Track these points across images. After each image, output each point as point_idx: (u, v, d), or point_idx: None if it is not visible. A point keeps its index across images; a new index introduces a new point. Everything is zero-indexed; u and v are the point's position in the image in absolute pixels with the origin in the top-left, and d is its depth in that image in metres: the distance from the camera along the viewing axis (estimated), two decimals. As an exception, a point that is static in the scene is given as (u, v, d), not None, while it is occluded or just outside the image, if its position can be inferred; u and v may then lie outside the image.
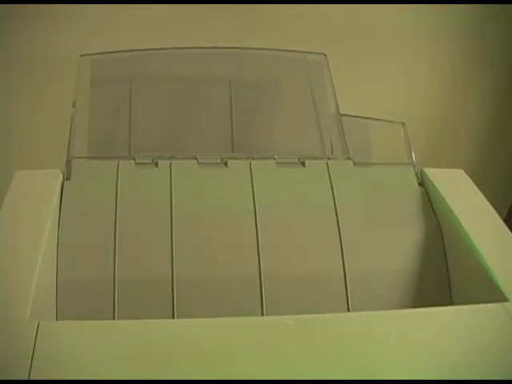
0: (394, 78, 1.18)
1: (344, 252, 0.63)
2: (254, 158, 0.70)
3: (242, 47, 0.81)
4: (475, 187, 0.70)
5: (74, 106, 0.72)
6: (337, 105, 0.78)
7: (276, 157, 0.70)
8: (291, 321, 0.52)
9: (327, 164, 0.70)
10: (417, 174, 0.72)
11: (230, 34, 1.04)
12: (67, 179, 0.66)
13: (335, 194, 0.67)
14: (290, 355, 0.49)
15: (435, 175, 0.71)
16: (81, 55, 0.76)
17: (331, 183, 0.68)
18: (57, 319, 0.57)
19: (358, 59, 1.14)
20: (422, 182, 0.71)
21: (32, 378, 0.45)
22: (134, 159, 0.68)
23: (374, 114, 0.79)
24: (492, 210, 0.67)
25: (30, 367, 0.46)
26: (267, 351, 0.49)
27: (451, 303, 0.63)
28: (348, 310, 0.61)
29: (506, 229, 0.64)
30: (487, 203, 0.67)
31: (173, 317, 0.58)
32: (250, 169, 0.68)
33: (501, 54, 1.22)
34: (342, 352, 0.50)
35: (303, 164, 0.70)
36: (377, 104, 1.05)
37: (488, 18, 1.18)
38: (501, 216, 0.66)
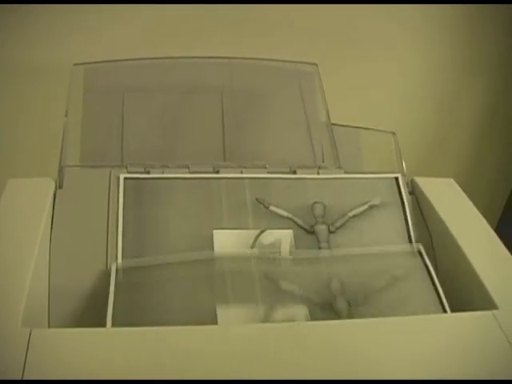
0: (385, 87, 1.19)
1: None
2: (245, 167, 0.70)
3: (233, 57, 0.81)
4: (465, 196, 0.70)
5: (66, 114, 0.72)
6: (328, 114, 0.79)
7: (267, 166, 0.71)
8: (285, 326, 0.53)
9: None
10: (407, 183, 0.72)
11: (222, 42, 1.05)
12: (59, 187, 0.66)
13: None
14: (282, 363, 0.50)
15: (425, 184, 0.71)
16: (74, 64, 0.76)
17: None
18: (49, 327, 0.57)
19: (348, 68, 1.15)
20: (413, 190, 0.72)
21: (24, 386, 0.45)
22: (126, 168, 0.68)
23: (364, 123, 0.79)
24: (481, 218, 0.67)
25: (22, 375, 0.46)
26: (261, 359, 0.50)
27: (441, 311, 0.63)
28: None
29: (496, 237, 0.65)
30: (477, 212, 0.68)
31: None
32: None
33: (492, 64, 1.23)
34: (333, 358, 0.50)
35: (294, 172, 0.71)
36: (368, 113, 1.06)
37: (479, 28, 1.19)
38: (490, 224, 0.67)
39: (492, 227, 0.66)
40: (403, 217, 0.69)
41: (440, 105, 1.26)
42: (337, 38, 1.13)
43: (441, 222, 0.66)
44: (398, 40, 1.17)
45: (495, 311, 0.55)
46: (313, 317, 0.58)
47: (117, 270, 0.59)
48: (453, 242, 0.63)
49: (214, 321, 0.57)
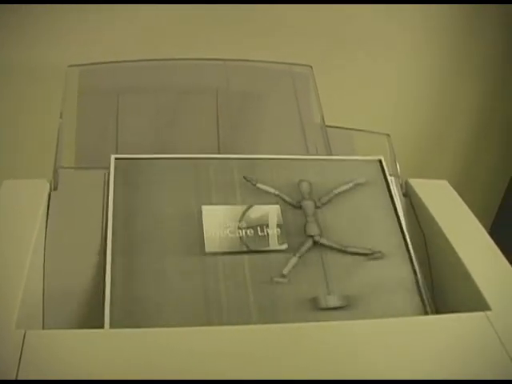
0: (379, 89, 1.19)
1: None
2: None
3: (228, 59, 0.81)
4: (459, 198, 0.71)
5: (61, 116, 0.72)
6: (322, 116, 0.79)
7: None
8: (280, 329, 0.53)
9: None
10: (401, 185, 0.72)
11: (221, 42, 1.05)
12: (54, 189, 0.66)
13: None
14: (278, 363, 0.50)
15: (419, 186, 0.72)
16: (69, 66, 0.76)
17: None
18: (43, 329, 0.57)
19: (343, 70, 1.15)
20: (407, 192, 0.72)
21: (18, 387, 0.45)
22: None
23: (359, 125, 0.80)
24: (475, 220, 0.67)
25: (16, 377, 0.46)
26: (258, 359, 0.50)
27: (434, 312, 0.63)
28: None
29: (489, 239, 0.65)
30: (471, 213, 0.68)
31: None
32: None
33: (488, 65, 1.23)
34: (327, 360, 0.50)
35: None
36: (362, 115, 1.07)
37: (475, 29, 1.20)
38: (484, 226, 0.67)
39: (486, 229, 0.66)
40: (388, 195, 0.69)
41: (435, 106, 1.26)
42: (332, 38, 1.13)
43: (434, 223, 0.66)
44: (393, 41, 1.17)
45: (488, 312, 0.55)
46: (283, 214, 0.65)
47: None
48: (446, 244, 0.63)
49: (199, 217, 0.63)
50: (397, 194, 0.70)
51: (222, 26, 1.08)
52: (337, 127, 0.79)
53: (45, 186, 0.65)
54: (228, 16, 1.07)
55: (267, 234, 0.64)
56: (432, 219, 0.67)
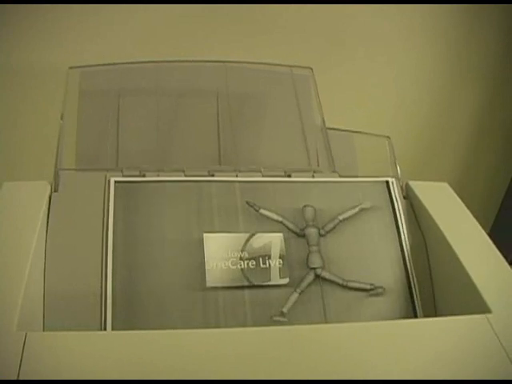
0: (379, 90, 1.20)
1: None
2: (240, 171, 0.70)
3: (228, 61, 0.81)
4: (459, 200, 0.71)
5: (62, 118, 0.72)
6: (323, 118, 0.79)
7: (262, 169, 0.71)
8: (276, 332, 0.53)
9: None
10: (402, 187, 0.72)
11: (219, 42, 1.05)
12: (55, 191, 0.66)
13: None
14: (272, 364, 0.50)
15: (420, 188, 0.72)
16: (70, 67, 0.76)
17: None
18: (44, 330, 0.57)
19: (343, 72, 1.15)
20: (407, 194, 0.72)
21: (19, 389, 0.45)
22: (122, 171, 0.68)
23: (358, 125, 0.80)
24: (475, 222, 0.67)
25: (17, 378, 0.46)
26: (256, 362, 0.50)
27: (435, 315, 0.63)
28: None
29: (489, 241, 0.65)
30: (471, 216, 0.68)
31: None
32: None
33: (488, 67, 1.23)
34: (326, 362, 0.50)
35: (289, 176, 0.71)
36: (361, 116, 1.07)
37: (475, 31, 1.20)
38: (484, 228, 0.67)
39: (486, 231, 0.66)
40: (394, 220, 0.69)
41: (435, 108, 1.26)
42: (332, 40, 1.14)
43: (435, 226, 0.66)
44: (393, 41, 1.17)
45: (489, 315, 0.56)
46: (286, 242, 0.64)
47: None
48: (447, 246, 0.63)
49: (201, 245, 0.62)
50: (402, 219, 0.69)
51: (221, 26, 1.08)
52: (337, 129, 0.79)
53: (45, 188, 0.65)
54: (227, 16, 1.07)
55: (269, 265, 0.63)
56: (432, 222, 0.67)
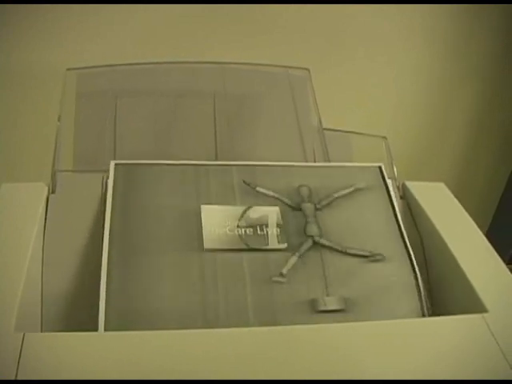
0: (377, 90, 1.20)
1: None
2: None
3: (225, 62, 0.82)
4: (456, 200, 0.71)
5: (59, 119, 0.72)
6: (319, 119, 0.79)
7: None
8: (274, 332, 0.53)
9: None
10: (398, 188, 0.73)
11: (219, 42, 1.06)
12: (52, 192, 0.66)
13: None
14: (270, 364, 0.50)
15: (416, 188, 0.72)
16: (67, 69, 0.76)
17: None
18: (42, 332, 0.57)
19: (343, 72, 1.15)
20: (404, 195, 0.72)
21: (17, 390, 0.45)
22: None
23: (356, 126, 0.80)
24: (472, 222, 0.68)
25: (16, 378, 0.46)
26: (255, 362, 0.50)
27: (431, 314, 0.63)
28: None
29: (486, 241, 0.65)
30: (467, 216, 0.68)
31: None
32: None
33: (485, 67, 1.24)
34: (323, 362, 0.50)
35: None
36: (359, 116, 1.07)
37: (473, 32, 1.20)
38: (481, 229, 0.67)
39: (482, 231, 0.66)
40: (388, 199, 0.69)
41: (434, 108, 1.26)
42: (331, 40, 1.14)
43: (431, 226, 0.66)
44: (392, 41, 1.17)
45: (485, 314, 0.56)
46: (283, 215, 0.65)
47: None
48: (443, 246, 0.64)
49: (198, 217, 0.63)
50: (396, 198, 0.70)
51: (220, 26, 1.08)
52: (334, 130, 0.79)
53: (43, 189, 0.65)
54: (227, 16, 1.07)
55: (266, 233, 0.63)
56: (429, 222, 0.67)
